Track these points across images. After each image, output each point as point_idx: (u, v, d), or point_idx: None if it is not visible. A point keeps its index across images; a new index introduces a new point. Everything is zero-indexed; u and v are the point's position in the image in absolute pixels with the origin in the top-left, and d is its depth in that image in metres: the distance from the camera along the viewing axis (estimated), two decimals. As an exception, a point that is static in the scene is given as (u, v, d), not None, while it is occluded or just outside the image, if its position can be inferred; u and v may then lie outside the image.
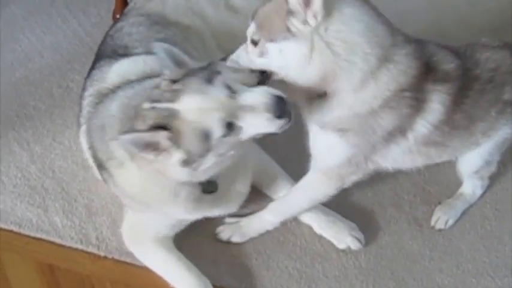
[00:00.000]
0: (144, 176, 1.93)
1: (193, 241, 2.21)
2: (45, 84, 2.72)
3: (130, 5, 2.52)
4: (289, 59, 1.74)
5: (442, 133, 1.91)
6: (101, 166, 2.05)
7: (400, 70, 1.76)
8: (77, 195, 2.36)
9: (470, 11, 3.02)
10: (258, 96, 1.76)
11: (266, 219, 2.22)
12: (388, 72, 1.75)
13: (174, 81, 1.78)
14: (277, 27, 1.71)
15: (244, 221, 2.24)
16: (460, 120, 1.92)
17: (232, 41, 2.49)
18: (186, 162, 1.77)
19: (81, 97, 2.23)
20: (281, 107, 1.74)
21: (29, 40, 2.91)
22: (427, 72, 1.82)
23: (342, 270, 2.21)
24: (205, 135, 1.73)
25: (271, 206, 2.20)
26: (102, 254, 2.23)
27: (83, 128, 2.17)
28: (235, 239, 2.23)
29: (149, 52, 2.18)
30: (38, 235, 2.28)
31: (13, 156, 2.48)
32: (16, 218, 2.31)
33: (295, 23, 1.68)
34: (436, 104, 1.84)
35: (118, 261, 2.21)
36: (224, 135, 1.75)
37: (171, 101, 1.73)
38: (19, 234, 2.29)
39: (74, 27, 2.96)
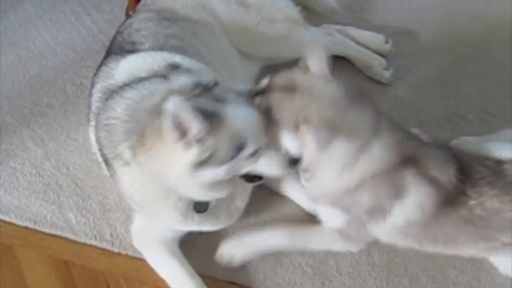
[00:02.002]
0: (143, 176, 1.91)
1: (206, 237, 2.20)
2: (59, 82, 2.74)
3: (142, 1, 2.53)
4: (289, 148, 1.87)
5: (417, 232, 1.97)
6: (106, 162, 2.05)
7: (376, 159, 1.85)
8: (91, 191, 2.38)
9: (484, 7, 3.00)
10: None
11: (276, 239, 2.16)
12: (364, 161, 1.85)
13: (206, 88, 1.78)
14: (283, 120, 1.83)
15: (249, 237, 2.17)
16: (437, 233, 1.96)
17: (244, 35, 2.51)
18: (198, 164, 1.75)
19: (89, 94, 2.22)
20: (294, 158, 1.85)
21: (43, 38, 2.93)
22: (410, 164, 1.87)
23: (355, 267, 2.20)
24: (240, 146, 1.75)
25: (289, 229, 2.16)
26: (116, 250, 2.24)
27: (92, 123, 2.16)
28: (236, 261, 2.14)
29: (156, 48, 2.19)
30: (53, 231, 2.30)
31: (28, 153, 2.50)
32: (31, 214, 2.33)
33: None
34: (413, 200, 1.89)
35: (132, 257, 2.22)
36: (249, 156, 1.78)
37: (219, 101, 1.74)
38: (34, 230, 2.31)
39: (87, 24, 2.98)
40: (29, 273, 2.21)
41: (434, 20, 2.97)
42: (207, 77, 1.86)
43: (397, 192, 1.89)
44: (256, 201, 2.25)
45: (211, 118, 1.70)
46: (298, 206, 2.31)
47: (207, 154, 1.73)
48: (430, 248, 2.05)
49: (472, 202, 1.89)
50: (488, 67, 2.79)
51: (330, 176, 1.90)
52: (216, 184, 1.84)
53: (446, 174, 1.89)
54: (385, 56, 2.78)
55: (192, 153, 1.72)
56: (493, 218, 1.90)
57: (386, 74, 2.71)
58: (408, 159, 1.88)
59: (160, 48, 2.20)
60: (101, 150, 2.06)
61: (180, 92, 1.76)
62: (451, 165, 1.90)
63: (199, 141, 1.70)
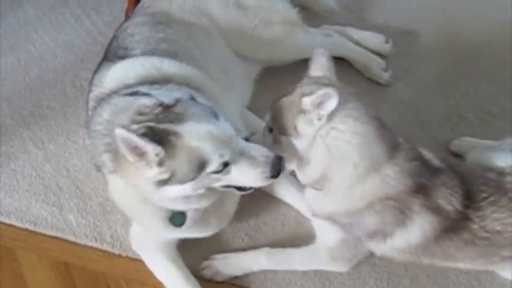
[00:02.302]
0: (126, 185, 1.91)
1: (205, 238, 2.18)
2: (59, 84, 2.75)
3: (140, 3, 2.53)
4: (295, 153, 1.83)
5: (416, 251, 1.97)
6: (98, 168, 2.06)
7: (388, 183, 1.84)
8: (91, 193, 2.38)
9: (484, 7, 3.00)
10: (262, 150, 1.80)
11: (259, 261, 2.17)
12: (374, 181, 1.84)
13: (166, 107, 1.77)
14: (287, 122, 1.80)
15: (232, 258, 2.19)
16: (436, 251, 1.97)
17: (241, 38, 2.51)
18: (161, 182, 1.74)
19: (86, 102, 2.23)
20: (278, 169, 1.79)
21: (42, 40, 2.93)
22: (419, 193, 1.87)
23: (355, 268, 2.19)
24: (201, 164, 1.72)
25: (270, 251, 2.17)
26: (116, 252, 2.25)
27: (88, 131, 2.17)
28: (219, 278, 2.17)
29: (148, 53, 2.19)
30: (53, 233, 2.30)
31: (28, 155, 2.51)
32: (31, 216, 2.33)
33: (301, 122, 1.78)
34: (417, 228, 1.90)
35: (132, 259, 2.22)
36: (215, 172, 1.75)
37: (173, 122, 1.72)
38: (34, 232, 2.31)
39: (87, 26, 2.98)
40: (30, 275, 2.21)
41: (433, 20, 2.97)
42: (177, 94, 1.83)
43: (402, 220, 1.89)
44: (255, 202, 2.25)
45: (167, 139, 1.69)
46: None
47: (167, 175, 1.72)
48: (426, 261, 2.06)
49: (475, 226, 1.90)
50: (488, 67, 2.79)
51: (341, 193, 1.89)
52: (191, 197, 1.84)
53: (452, 203, 1.88)
54: (385, 56, 2.78)
55: (153, 173, 1.72)
56: (495, 238, 1.90)
57: (385, 75, 2.71)
58: (419, 188, 1.87)
59: (152, 53, 2.20)
60: (93, 158, 2.08)
61: (140, 112, 1.77)
62: (457, 192, 1.90)
63: (158, 164, 1.70)
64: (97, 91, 2.13)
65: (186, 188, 1.77)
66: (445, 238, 1.91)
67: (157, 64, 2.13)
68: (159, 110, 1.76)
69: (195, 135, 1.71)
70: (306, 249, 2.15)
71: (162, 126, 1.71)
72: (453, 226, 1.89)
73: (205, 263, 2.18)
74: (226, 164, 1.76)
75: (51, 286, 2.20)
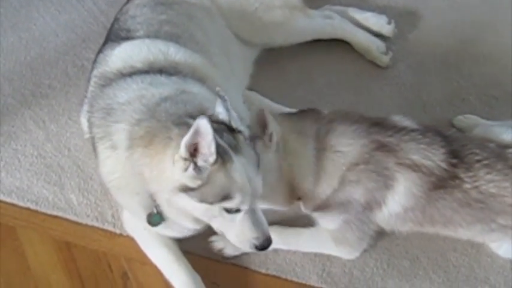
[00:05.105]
0: (125, 168, 1.88)
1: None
2: (60, 63, 2.73)
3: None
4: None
5: (416, 216, 1.99)
6: (93, 143, 2.03)
7: (338, 152, 1.95)
8: (92, 173, 2.38)
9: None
10: (266, 225, 1.86)
11: None
12: (327, 158, 1.95)
13: (230, 129, 1.78)
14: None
15: None
16: (434, 215, 1.98)
17: (241, 20, 2.49)
18: (184, 188, 1.72)
19: (88, 80, 2.22)
20: (267, 245, 1.86)
21: (44, 19, 2.91)
22: (381, 151, 1.92)
23: (356, 249, 2.21)
24: (225, 196, 1.73)
25: (281, 231, 2.17)
26: (117, 231, 2.25)
27: (85, 107, 2.16)
28: (227, 251, 2.17)
29: (151, 35, 2.18)
30: (55, 213, 2.30)
31: (29, 135, 2.50)
32: (33, 195, 2.34)
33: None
34: (403, 186, 1.92)
35: (133, 238, 2.22)
36: (227, 209, 1.77)
37: (231, 148, 1.74)
38: (36, 211, 2.31)
39: (88, 6, 2.96)
40: (31, 254, 2.22)
41: (437, 2, 2.95)
42: (237, 123, 1.82)
43: (386, 183, 1.92)
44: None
45: (221, 156, 1.70)
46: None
47: (196, 184, 1.71)
48: (430, 230, 2.07)
49: (467, 186, 1.91)
50: (491, 50, 2.78)
51: (311, 185, 1.97)
52: (185, 214, 1.83)
53: (430, 159, 1.90)
54: (388, 38, 2.77)
55: (186, 176, 1.70)
56: (490, 201, 1.91)
57: (385, 59, 2.70)
58: (378, 146, 1.91)
59: (155, 35, 2.18)
60: (90, 128, 2.04)
61: (211, 118, 1.74)
62: (436, 149, 1.92)
63: (199, 170, 1.69)
64: (101, 69, 2.12)
65: (197, 207, 1.77)
66: (438, 197, 1.93)
67: (163, 49, 2.11)
68: (223, 126, 1.77)
69: (240, 172, 1.73)
70: (312, 231, 2.16)
71: (223, 143, 1.72)
72: (442, 184, 1.91)
73: (214, 237, 2.16)
74: (238, 210, 1.79)
75: (52, 265, 2.20)
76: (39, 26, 2.89)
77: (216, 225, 1.87)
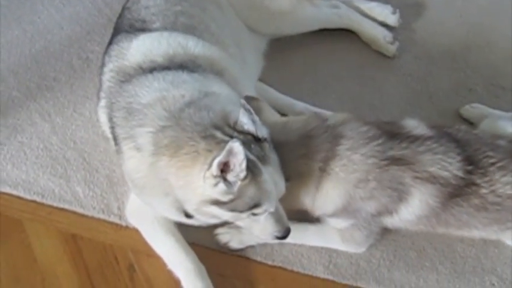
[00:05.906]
0: (151, 170, 1.87)
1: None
2: (65, 56, 2.73)
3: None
4: None
5: (429, 221, 1.97)
6: (116, 140, 2.02)
7: (350, 167, 1.88)
8: (98, 165, 2.38)
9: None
10: (283, 220, 1.91)
11: None
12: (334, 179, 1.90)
13: (257, 139, 1.79)
14: None
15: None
16: (449, 220, 1.96)
17: (249, 9, 2.49)
18: (215, 202, 1.75)
19: (100, 73, 2.20)
20: (287, 234, 1.92)
21: (48, 12, 2.91)
22: (397, 165, 1.87)
23: (362, 240, 2.20)
24: (255, 205, 1.76)
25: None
26: (123, 223, 2.25)
27: (102, 102, 2.13)
28: (233, 244, 2.17)
29: (168, 27, 2.16)
30: (61, 205, 2.31)
31: (35, 128, 2.50)
32: (39, 188, 2.34)
33: None
34: (418, 200, 1.90)
35: (139, 230, 2.23)
36: (253, 214, 1.80)
37: (260, 160, 1.75)
38: (42, 204, 2.31)
39: (93, -2, 2.96)
40: (38, 246, 2.22)
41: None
42: (262, 131, 1.82)
43: (400, 196, 1.90)
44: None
45: (251, 170, 1.71)
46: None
47: (227, 198, 1.73)
48: (443, 231, 2.06)
49: (484, 191, 1.89)
50: (497, 40, 2.77)
51: (314, 203, 1.96)
52: (212, 217, 1.87)
53: (447, 169, 1.87)
54: (393, 28, 2.75)
55: (217, 191, 1.72)
56: (507, 202, 1.89)
57: (392, 48, 2.69)
58: (393, 161, 1.87)
59: (172, 27, 2.17)
60: (112, 128, 2.03)
61: (228, 123, 1.78)
62: (452, 157, 1.88)
63: (229, 184, 1.70)
64: (119, 63, 2.10)
65: (227, 216, 1.81)
66: (454, 205, 1.90)
67: (182, 42, 2.10)
68: (249, 137, 1.77)
69: (269, 182, 1.76)
70: (319, 227, 2.15)
71: (253, 157, 1.73)
72: (458, 192, 1.88)
73: (219, 230, 2.16)
74: (263, 213, 1.82)
75: (58, 257, 2.21)
76: (43, 18, 2.88)
77: (241, 224, 1.92)
